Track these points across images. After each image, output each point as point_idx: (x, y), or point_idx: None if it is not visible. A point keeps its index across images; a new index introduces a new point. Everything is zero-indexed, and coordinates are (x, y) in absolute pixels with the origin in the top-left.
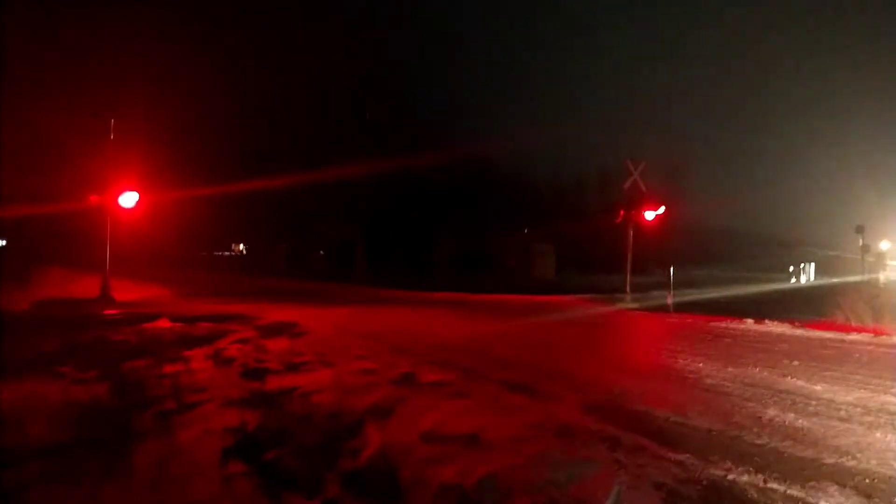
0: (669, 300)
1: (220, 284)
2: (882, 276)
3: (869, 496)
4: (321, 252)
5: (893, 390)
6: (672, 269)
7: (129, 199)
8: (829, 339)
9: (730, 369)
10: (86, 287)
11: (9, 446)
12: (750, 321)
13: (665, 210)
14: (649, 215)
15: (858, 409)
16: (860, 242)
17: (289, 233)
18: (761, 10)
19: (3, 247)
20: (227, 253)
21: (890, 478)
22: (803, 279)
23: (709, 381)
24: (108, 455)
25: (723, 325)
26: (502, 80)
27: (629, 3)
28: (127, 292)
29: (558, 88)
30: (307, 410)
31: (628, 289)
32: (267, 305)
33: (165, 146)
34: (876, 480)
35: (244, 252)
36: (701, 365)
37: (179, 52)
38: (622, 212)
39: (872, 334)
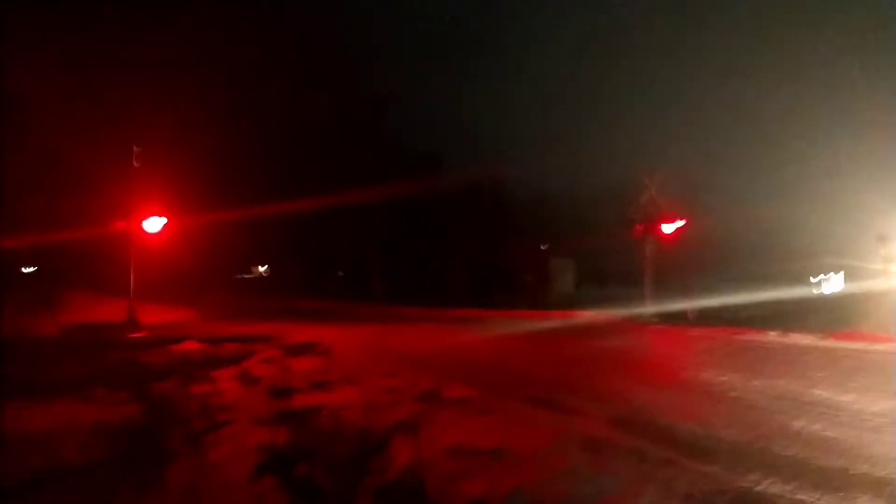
0: (691, 312)
1: (242, 306)
2: None
3: None
4: (339, 273)
5: None
6: (692, 281)
7: (154, 225)
8: (855, 350)
9: (755, 382)
10: (112, 311)
11: (45, 466)
12: (774, 333)
13: (684, 223)
14: (667, 229)
15: (887, 420)
16: (882, 251)
17: (308, 254)
18: (788, 15)
19: (33, 272)
20: (248, 275)
21: None
22: (827, 289)
23: (734, 393)
24: (142, 473)
25: (746, 337)
26: (519, 94)
27: (649, 12)
28: (152, 315)
29: (577, 101)
30: (334, 427)
31: (649, 302)
32: (289, 326)
33: (188, 172)
34: None
35: (265, 274)
36: (725, 378)
37: (200, 80)
38: (639, 226)
39: None
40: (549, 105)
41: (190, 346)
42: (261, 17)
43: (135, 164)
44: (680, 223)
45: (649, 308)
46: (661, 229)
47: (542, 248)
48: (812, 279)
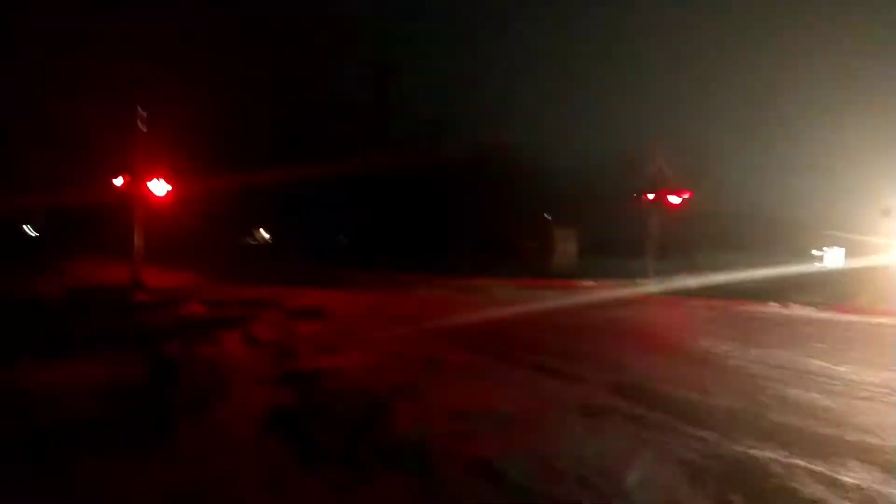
0: (693, 284)
1: (246, 271)
2: None
3: (890, 471)
4: (343, 238)
5: None
6: (695, 253)
7: (159, 187)
8: (854, 323)
9: (753, 351)
10: (117, 274)
11: (56, 423)
12: (774, 305)
13: (690, 195)
14: (674, 199)
15: (883, 390)
16: (886, 226)
17: (311, 220)
18: None
19: (38, 235)
20: (251, 241)
21: None
22: (830, 263)
23: (732, 362)
24: (151, 430)
25: (747, 308)
26: (522, 63)
27: None
28: (157, 278)
29: (579, 70)
30: (339, 389)
31: (651, 273)
32: (294, 290)
33: (193, 136)
34: None
35: (268, 240)
36: (724, 347)
37: (204, 45)
38: (645, 196)
39: None
40: (555, 74)
41: (195, 308)
42: None
43: (140, 126)
44: (686, 195)
45: (652, 279)
46: (667, 200)
47: (546, 216)
48: (814, 253)
